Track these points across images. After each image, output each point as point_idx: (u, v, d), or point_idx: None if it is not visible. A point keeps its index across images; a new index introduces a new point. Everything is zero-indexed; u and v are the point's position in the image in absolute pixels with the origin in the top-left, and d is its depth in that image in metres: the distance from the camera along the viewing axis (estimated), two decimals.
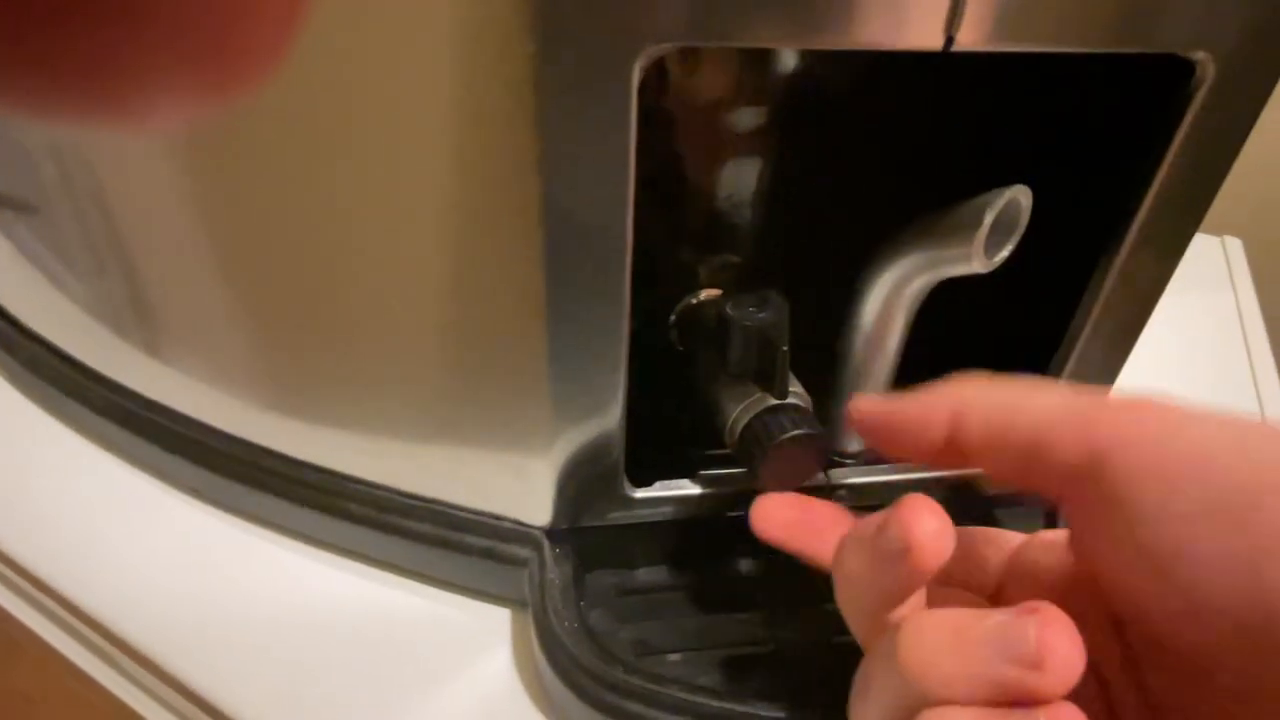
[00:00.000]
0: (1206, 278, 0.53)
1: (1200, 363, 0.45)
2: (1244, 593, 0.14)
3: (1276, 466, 0.15)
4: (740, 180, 0.27)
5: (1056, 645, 0.15)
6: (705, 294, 0.28)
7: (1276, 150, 0.63)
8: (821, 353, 0.27)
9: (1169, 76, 0.21)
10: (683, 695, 0.23)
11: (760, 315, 0.24)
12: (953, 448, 0.19)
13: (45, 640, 0.32)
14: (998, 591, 0.21)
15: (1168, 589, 0.15)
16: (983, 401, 0.19)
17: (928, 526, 0.17)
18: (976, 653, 0.15)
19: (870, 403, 0.21)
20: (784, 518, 0.22)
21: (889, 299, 0.24)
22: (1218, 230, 0.56)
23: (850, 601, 0.19)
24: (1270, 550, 0.14)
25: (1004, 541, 0.21)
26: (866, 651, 0.19)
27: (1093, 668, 0.16)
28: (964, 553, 0.21)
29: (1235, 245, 0.56)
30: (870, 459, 0.29)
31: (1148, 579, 0.16)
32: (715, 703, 0.23)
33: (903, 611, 0.18)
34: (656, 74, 0.23)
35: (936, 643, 0.16)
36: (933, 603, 0.20)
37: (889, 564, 0.17)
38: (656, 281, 0.28)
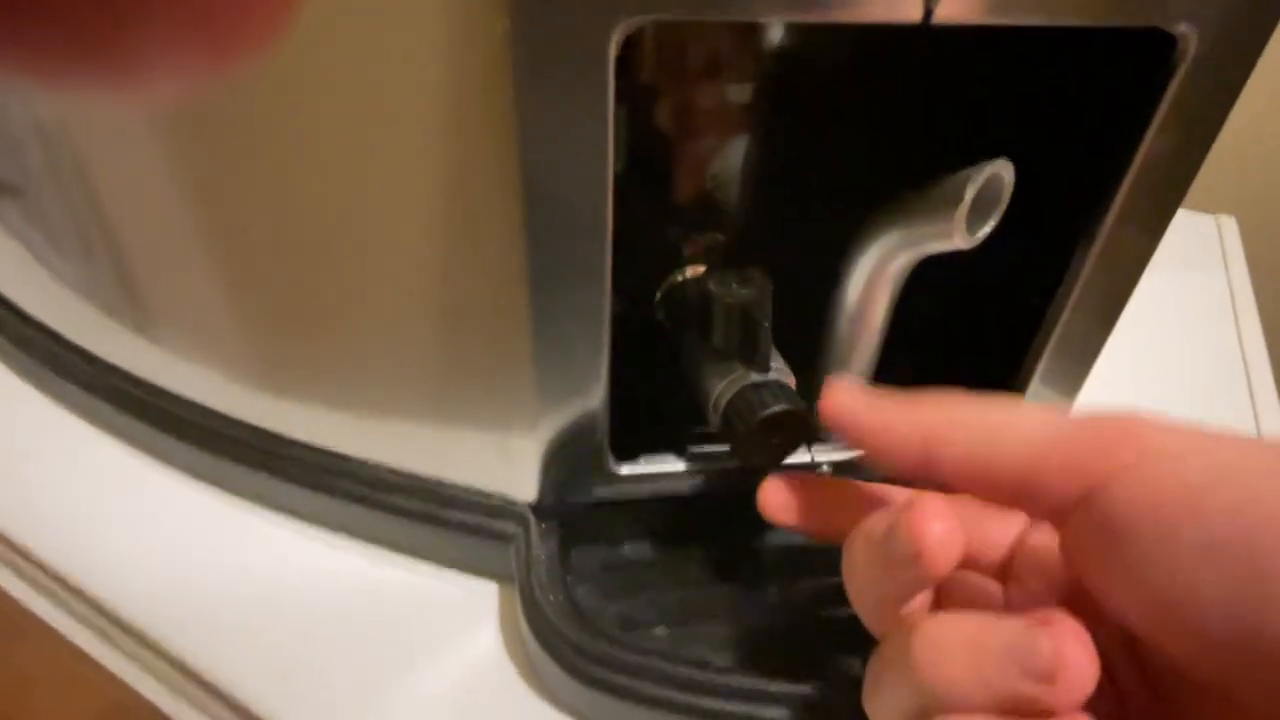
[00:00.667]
0: (1200, 256, 0.53)
1: (1190, 341, 0.45)
2: (1251, 633, 0.13)
3: (1273, 498, 0.14)
4: (724, 157, 0.27)
5: (1069, 659, 0.15)
6: (690, 272, 0.28)
7: (1273, 129, 0.63)
8: (808, 332, 0.27)
9: (1151, 50, 0.21)
10: (668, 667, 0.24)
11: (742, 291, 0.24)
12: (929, 473, 0.18)
13: (41, 618, 0.33)
14: (1005, 569, 0.20)
15: (1170, 626, 0.15)
16: (958, 436, 0.18)
17: (936, 532, 0.16)
18: (990, 664, 0.15)
19: (843, 398, 0.20)
20: (790, 499, 0.22)
21: (872, 277, 0.24)
22: (1213, 209, 0.56)
23: (860, 595, 0.19)
24: (1273, 590, 0.13)
25: (1012, 520, 0.21)
26: (879, 640, 0.19)
27: (1103, 664, 0.15)
28: (972, 531, 0.20)
29: (1230, 224, 0.56)
30: None
31: (1149, 615, 0.15)
32: (700, 674, 0.24)
33: (913, 606, 0.18)
34: (634, 49, 0.23)
35: (951, 653, 0.16)
36: (941, 585, 0.19)
37: (897, 568, 0.17)
38: (642, 260, 0.28)
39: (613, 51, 0.18)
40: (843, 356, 0.26)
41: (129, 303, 0.31)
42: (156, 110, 0.23)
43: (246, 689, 0.27)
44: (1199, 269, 0.51)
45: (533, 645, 0.25)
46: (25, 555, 0.32)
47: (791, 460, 0.27)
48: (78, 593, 0.31)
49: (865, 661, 0.26)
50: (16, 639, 0.45)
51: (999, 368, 0.28)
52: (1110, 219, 0.23)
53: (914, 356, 0.30)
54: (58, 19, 0.07)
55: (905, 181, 0.23)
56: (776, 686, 0.23)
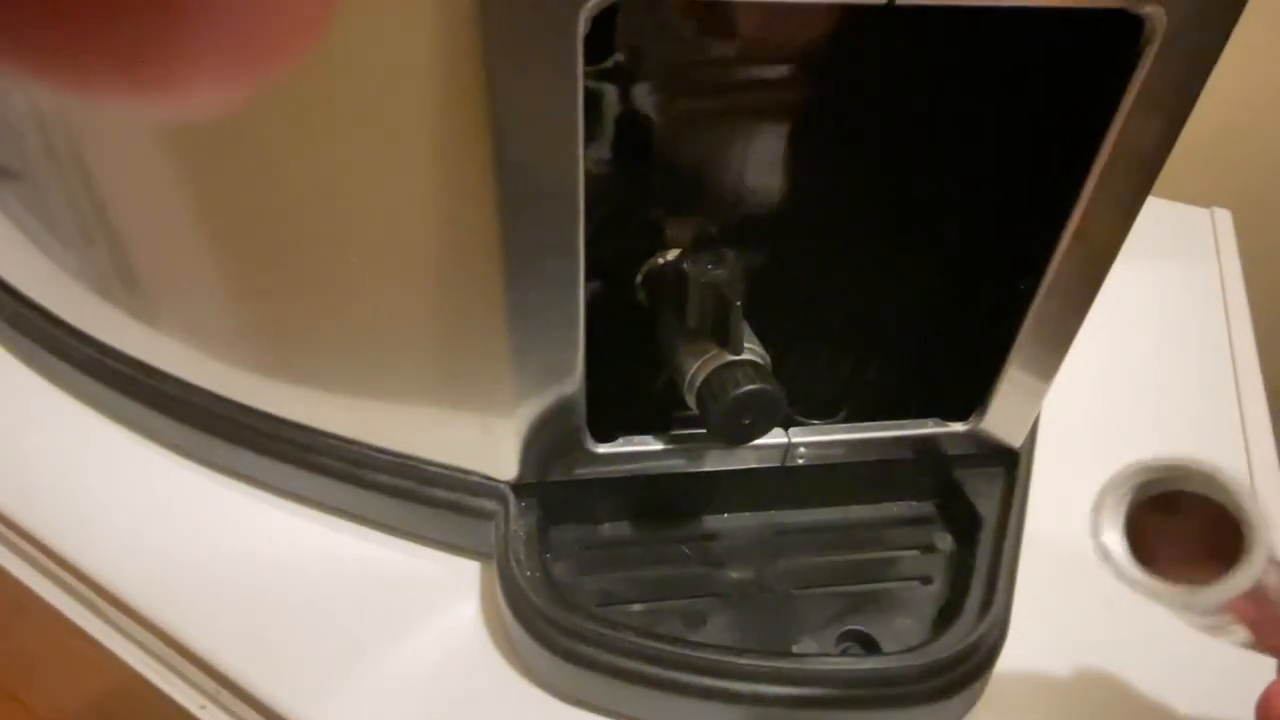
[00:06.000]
0: (1192, 249, 0.53)
1: (1178, 331, 0.45)
2: None
3: None
4: (705, 137, 0.27)
5: None
6: (671, 254, 0.28)
7: (1268, 123, 0.63)
8: (794, 311, 0.28)
9: (1120, 32, 0.21)
10: (640, 641, 0.24)
11: (716, 271, 0.24)
12: None
13: (36, 593, 0.33)
14: None
15: None
16: None
17: None
18: None
19: None
20: None
21: None
22: (1209, 203, 0.56)
23: None
24: None
25: None
26: None
27: None
28: None
29: (1224, 217, 0.56)
30: (830, 418, 0.29)
31: None
32: (672, 648, 0.24)
33: None
34: (607, 27, 0.24)
35: None
36: None
37: None
38: (624, 243, 0.28)
39: (582, 28, 0.18)
40: None
41: (124, 286, 0.31)
42: (194, 119, 0.24)
43: (231, 661, 0.28)
44: (1190, 261, 0.51)
45: (509, 619, 0.26)
46: (18, 531, 0.32)
47: (766, 441, 0.28)
48: (69, 567, 0.31)
49: (840, 640, 0.27)
50: (17, 614, 0.45)
51: (975, 353, 0.28)
52: (1082, 203, 0.23)
53: (893, 343, 0.30)
54: (96, 34, 0.07)
55: (878, 167, 0.23)
56: (747, 660, 0.24)
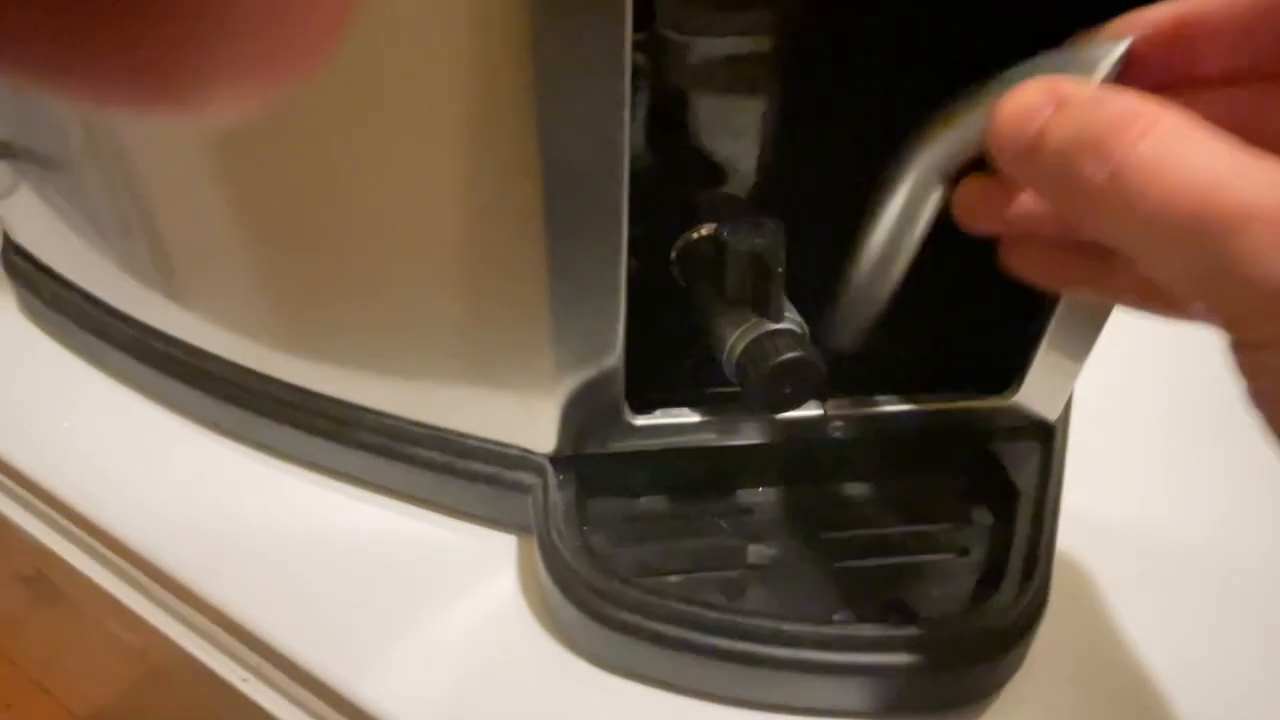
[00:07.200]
0: None
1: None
2: None
3: None
4: (745, 114, 0.27)
5: None
6: (706, 229, 0.28)
7: None
8: (825, 287, 0.28)
9: None
10: (681, 606, 0.24)
11: (756, 240, 0.24)
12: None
13: (80, 571, 0.34)
14: None
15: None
16: None
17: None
18: None
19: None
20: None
21: (918, 194, 0.20)
22: None
23: None
24: None
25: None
26: None
27: None
28: None
29: None
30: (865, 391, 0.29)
31: None
32: (713, 614, 0.24)
33: None
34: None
35: None
36: None
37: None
38: (659, 219, 0.28)
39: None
40: (860, 296, 0.23)
41: (162, 265, 0.32)
42: (212, 127, 0.24)
43: (273, 633, 0.28)
44: None
45: (549, 586, 0.26)
46: (61, 509, 0.33)
47: (802, 413, 0.28)
48: (113, 544, 0.32)
49: (880, 610, 0.27)
50: (46, 605, 0.46)
51: (1011, 326, 0.28)
52: None
53: (930, 316, 0.30)
54: (116, 45, 0.07)
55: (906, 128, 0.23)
56: (790, 626, 0.24)
